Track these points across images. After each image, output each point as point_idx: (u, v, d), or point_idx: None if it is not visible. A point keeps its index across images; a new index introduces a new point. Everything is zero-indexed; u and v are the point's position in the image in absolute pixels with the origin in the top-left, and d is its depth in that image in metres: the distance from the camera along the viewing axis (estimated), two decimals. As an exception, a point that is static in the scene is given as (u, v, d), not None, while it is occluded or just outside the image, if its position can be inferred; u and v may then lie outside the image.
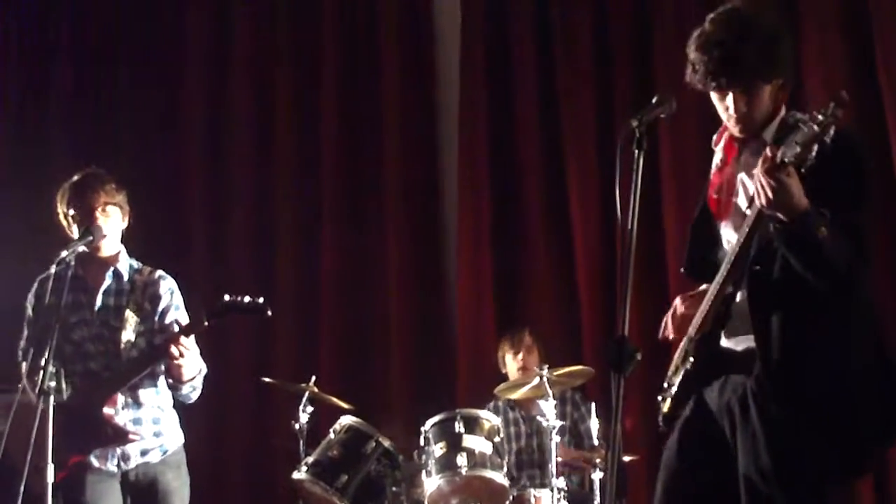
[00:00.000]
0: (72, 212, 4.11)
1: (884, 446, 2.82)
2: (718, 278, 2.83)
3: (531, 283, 6.58)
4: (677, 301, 3.08)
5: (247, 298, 4.04)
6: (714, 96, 2.92)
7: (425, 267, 6.87)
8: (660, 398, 3.02)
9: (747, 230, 2.73)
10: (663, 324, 3.10)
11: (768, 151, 2.63)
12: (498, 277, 6.64)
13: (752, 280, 2.77)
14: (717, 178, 3.01)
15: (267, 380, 5.82)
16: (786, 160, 2.58)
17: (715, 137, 3.05)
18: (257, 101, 7.32)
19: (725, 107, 2.89)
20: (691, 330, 2.93)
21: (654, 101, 2.84)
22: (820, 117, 2.54)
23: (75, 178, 4.19)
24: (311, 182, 7.13)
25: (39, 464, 3.51)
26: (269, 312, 4.09)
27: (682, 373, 2.93)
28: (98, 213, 4.08)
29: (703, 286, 3.08)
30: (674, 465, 2.93)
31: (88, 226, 4.02)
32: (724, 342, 2.89)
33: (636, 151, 2.69)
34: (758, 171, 2.64)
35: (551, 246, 6.53)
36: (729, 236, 2.94)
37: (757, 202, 2.66)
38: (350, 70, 7.13)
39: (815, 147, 2.54)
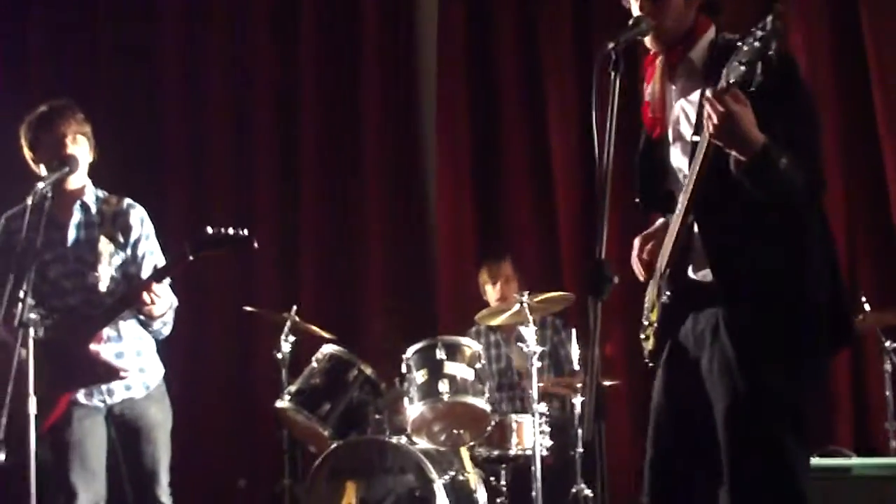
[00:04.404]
0: (42, 138, 4.01)
1: (839, 344, 2.87)
2: (678, 210, 2.81)
3: (511, 207, 6.58)
4: (637, 242, 3.08)
5: (230, 230, 3.92)
6: (633, 5, 2.88)
7: (406, 194, 6.86)
8: (642, 335, 3.03)
9: (700, 160, 2.69)
10: (633, 266, 3.10)
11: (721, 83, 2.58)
12: (478, 201, 6.65)
13: (700, 207, 2.77)
14: (647, 94, 3.00)
15: (249, 309, 5.82)
16: (731, 81, 2.54)
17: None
18: (237, 33, 7.23)
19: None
20: (661, 264, 2.92)
21: (630, 22, 2.81)
22: (759, 32, 2.49)
23: (42, 108, 4.08)
24: (292, 112, 7.08)
25: (23, 397, 3.50)
26: (256, 245, 3.97)
27: (659, 308, 2.93)
28: (69, 141, 4.00)
29: (660, 220, 3.08)
30: (662, 406, 2.95)
31: (61, 155, 3.95)
32: (693, 275, 2.88)
33: (612, 74, 2.66)
34: (706, 96, 2.61)
35: (531, 170, 6.53)
36: (679, 163, 2.91)
37: (705, 132, 2.63)
38: (329, 5, 7.05)
39: (760, 64, 2.49)
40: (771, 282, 2.72)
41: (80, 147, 4.04)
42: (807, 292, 2.72)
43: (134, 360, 4.07)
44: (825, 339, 2.76)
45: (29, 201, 3.78)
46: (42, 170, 3.99)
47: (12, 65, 7.16)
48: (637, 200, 3.11)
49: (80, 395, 3.99)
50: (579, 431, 5.44)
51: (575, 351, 5.52)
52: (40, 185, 3.79)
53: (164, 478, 4.12)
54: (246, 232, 3.95)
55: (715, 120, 2.56)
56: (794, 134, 2.66)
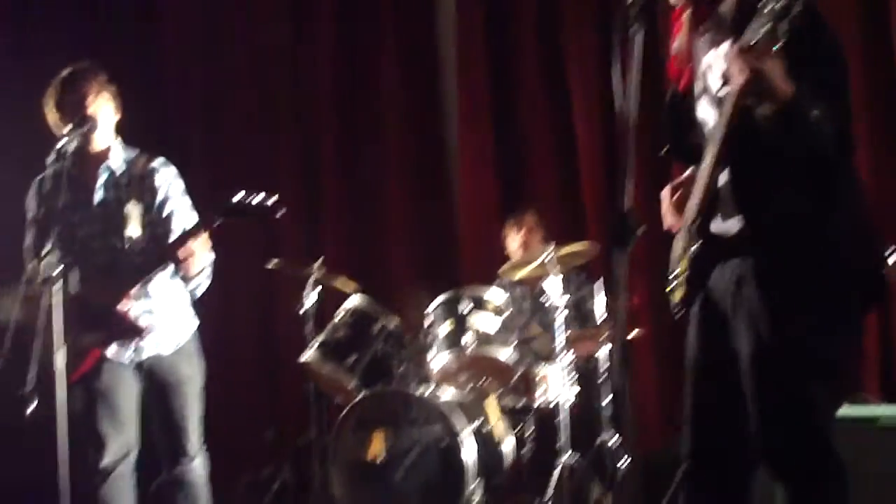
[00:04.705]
0: (65, 100, 4.02)
1: (871, 301, 2.83)
2: (707, 162, 2.79)
3: (533, 160, 6.56)
4: (665, 192, 3.06)
5: (257, 199, 3.93)
6: None
7: (427, 146, 6.85)
8: (669, 287, 3.02)
9: (729, 113, 2.68)
10: (663, 216, 3.09)
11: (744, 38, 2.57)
12: (499, 155, 6.63)
13: (729, 159, 2.75)
14: (674, 47, 2.98)
15: (274, 262, 5.84)
16: (757, 38, 2.52)
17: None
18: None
19: None
20: (688, 215, 2.91)
21: None
22: None
23: (65, 70, 4.10)
24: (310, 66, 7.08)
25: (52, 350, 3.54)
26: (279, 215, 3.98)
27: (687, 259, 2.92)
28: (90, 101, 4.02)
29: (688, 171, 3.06)
30: (696, 359, 2.95)
31: (82, 114, 3.96)
32: (720, 225, 2.86)
33: (633, 27, 2.64)
34: (731, 54, 2.60)
35: (552, 121, 6.49)
36: (706, 116, 2.90)
37: (733, 86, 2.61)
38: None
39: (786, 22, 2.47)
40: (800, 232, 2.70)
41: (103, 106, 4.05)
42: (837, 244, 2.70)
43: (164, 317, 4.11)
44: (855, 291, 2.74)
45: (49, 160, 3.81)
46: (66, 131, 4.00)
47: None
48: (664, 152, 3.11)
49: (110, 351, 4.03)
50: (604, 382, 5.45)
51: (599, 303, 5.51)
52: (61, 143, 3.81)
53: (194, 431, 4.17)
54: (272, 200, 3.96)
55: (742, 76, 2.55)
56: (823, 88, 2.63)
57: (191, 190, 4.25)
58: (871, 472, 4.10)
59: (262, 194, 3.94)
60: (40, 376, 3.50)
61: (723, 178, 2.81)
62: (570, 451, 5.05)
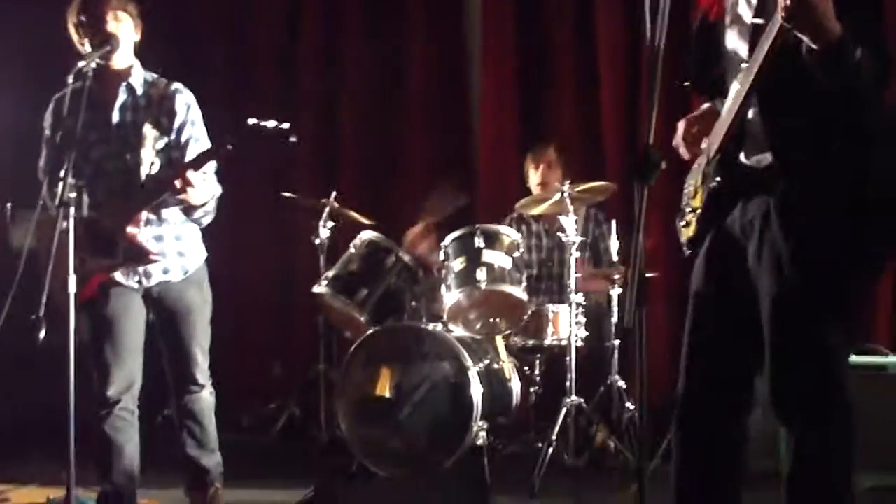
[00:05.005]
0: (83, 19, 3.97)
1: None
2: (736, 94, 2.73)
3: (555, 96, 6.51)
4: (681, 125, 3.01)
5: (272, 123, 3.87)
6: None
7: (448, 81, 6.81)
8: (682, 222, 2.97)
9: (769, 44, 2.58)
10: (678, 147, 3.03)
11: None
12: (521, 90, 6.59)
13: (763, 90, 2.68)
14: None
15: (287, 195, 5.82)
16: None
17: None
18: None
19: None
20: (710, 149, 2.85)
21: None
22: None
23: None
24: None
25: (62, 275, 3.52)
26: (295, 139, 3.93)
27: (705, 194, 2.86)
28: (109, 19, 3.96)
29: (706, 105, 3.01)
30: (704, 294, 2.91)
31: (102, 34, 3.92)
32: (745, 161, 2.80)
33: None
34: None
35: (576, 59, 6.45)
36: (735, 46, 2.82)
37: (777, 15, 2.53)
38: None
39: None
40: (832, 170, 2.65)
41: (123, 25, 4.00)
42: (869, 183, 2.65)
43: (173, 244, 4.08)
44: (883, 236, 2.70)
45: (70, 80, 3.77)
46: (87, 47, 3.97)
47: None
48: (686, 84, 3.05)
49: (118, 275, 4.01)
50: (614, 323, 5.45)
51: (615, 243, 5.49)
52: (81, 63, 3.77)
53: (202, 360, 4.15)
54: (287, 125, 3.91)
55: (787, 3, 2.45)
56: (862, 30, 2.55)
57: (208, 122, 4.21)
58: (878, 417, 4.12)
59: (275, 121, 3.90)
60: (51, 302, 3.48)
61: (752, 111, 2.75)
62: (576, 393, 5.06)
